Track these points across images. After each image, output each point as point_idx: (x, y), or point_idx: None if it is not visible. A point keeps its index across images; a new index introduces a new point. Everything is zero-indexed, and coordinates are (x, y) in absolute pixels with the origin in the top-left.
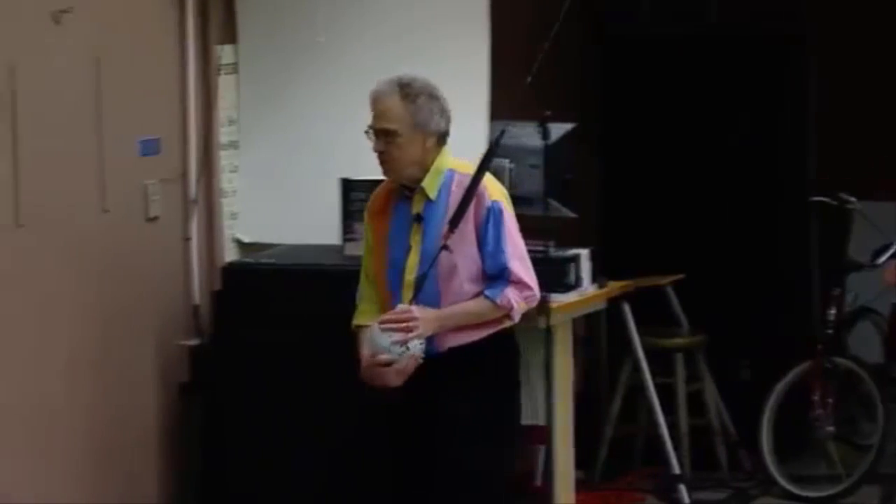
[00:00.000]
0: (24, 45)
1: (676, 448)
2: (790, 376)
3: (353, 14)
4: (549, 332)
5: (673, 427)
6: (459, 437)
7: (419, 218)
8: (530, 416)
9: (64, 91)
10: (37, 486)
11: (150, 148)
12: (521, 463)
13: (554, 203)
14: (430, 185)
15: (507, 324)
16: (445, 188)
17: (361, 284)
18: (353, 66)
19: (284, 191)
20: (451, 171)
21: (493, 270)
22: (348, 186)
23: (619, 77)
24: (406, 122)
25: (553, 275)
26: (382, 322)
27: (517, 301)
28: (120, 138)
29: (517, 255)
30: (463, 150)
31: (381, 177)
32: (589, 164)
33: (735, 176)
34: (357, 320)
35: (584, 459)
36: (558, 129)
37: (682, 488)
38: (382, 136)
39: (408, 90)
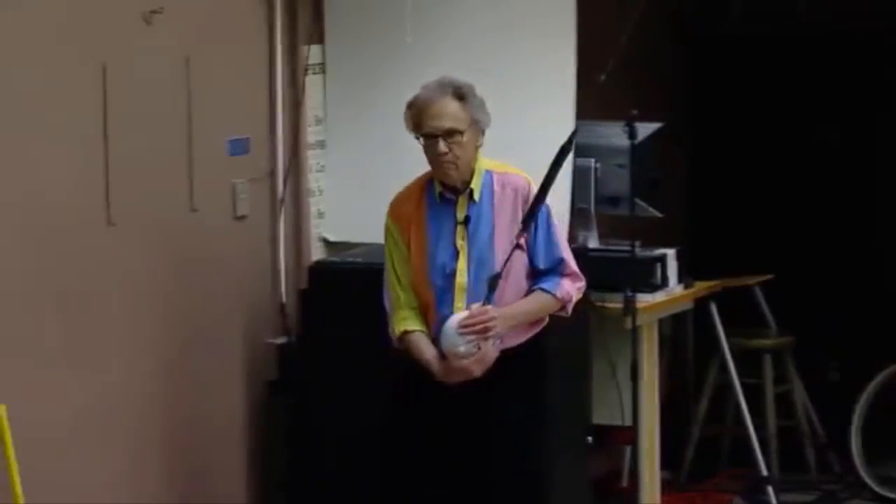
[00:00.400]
0: (116, 46)
1: (764, 450)
2: (880, 378)
3: (440, 14)
4: (635, 332)
5: (760, 428)
6: (518, 437)
7: (466, 220)
8: (617, 416)
9: (154, 91)
10: (128, 485)
11: (238, 147)
12: (606, 463)
13: (640, 203)
14: (477, 186)
15: (546, 320)
16: (487, 189)
17: (393, 292)
18: (440, 66)
19: (371, 190)
20: (489, 172)
21: (547, 264)
22: None
23: (708, 77)
24: (466, 121)
25: (639, 275)
26: (463, 325)
27: (573, 293)
28: (209, 138)
29: (566, 248)
30: (549, 150)
31: None
32: (677, 164)
33: (825, 175)
34: (403, 326)
35: (670, 460)
36: (645, 129)
37: (770, 490)
38: (445, 137)
39: (459, 91)
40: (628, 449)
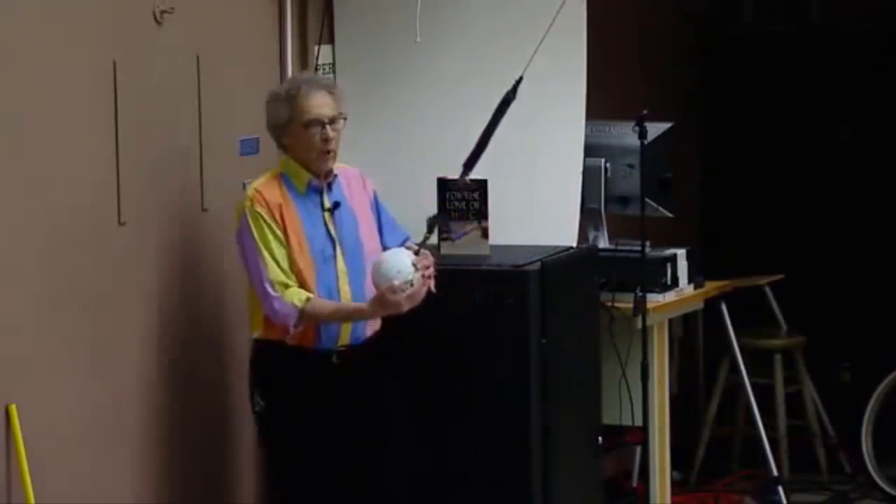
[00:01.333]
0: (126, 45)
1: (775, 450)
2: (891, 378)
3: (450, 15)
4: (645, 332)
5: (771, 429)
6: (394, 419)
7: (336, 206)
8: (627, 416)
9: (165, 90)
10: (140, 485)
11: (249, 147)
12: (616, 463)
13: (651, 203)
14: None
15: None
16: (336, 180)
17: (275, 274)
18: (450, 67)
19: (380, 190)
20: None
21: (395, 242)
22: (445, 186)
23: (721, 76)
24: (338, 110)
25: (650, 275)
26: (422, 264)
27: None
28: (220, 137)
29: None
30: (561, 151)
31: (482, 176)
32: (691, 164)
33: (837, 174)
34: (304, 295)
35: (681, 460)
36: (656, 129)
37: (781, 490)
38: (330, 124)
39: (325, 83)
40: (638, 449)
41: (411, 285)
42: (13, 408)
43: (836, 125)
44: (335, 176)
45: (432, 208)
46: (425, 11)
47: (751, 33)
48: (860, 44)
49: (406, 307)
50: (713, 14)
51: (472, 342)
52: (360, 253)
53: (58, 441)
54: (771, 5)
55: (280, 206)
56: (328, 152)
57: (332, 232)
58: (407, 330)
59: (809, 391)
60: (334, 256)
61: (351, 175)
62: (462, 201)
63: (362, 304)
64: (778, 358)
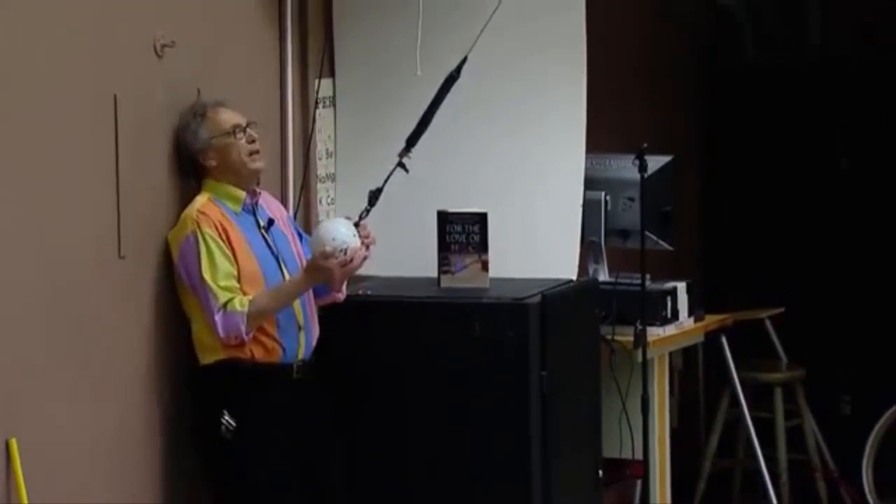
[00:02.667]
0: (127, 79)
1: (776, 484)
2: (892, 411)
3: (451, 47)
4: (645, 365)
5: (772, 462)
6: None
7: (271, 223)
8: (627, 449)
9: (165, 123)
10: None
11: None
12: (616, 497)
13: (651, 236)
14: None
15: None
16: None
17: (223, 295)
18: (449, 99)
19: (380, 223)
20: None
21: None
22: (445, 219)
23: (721, 107)
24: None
25: (650, 308)
26: (363, 233)
27: None
28: None
29: None
30: (561, 183)
31: (480, 210)
32: (691, 196)
33: (839, 205)
34: (244, 298)
35: (681, 494)
36: (656, 162)
37: None
38: (248, 127)
39: (220, 100)
40: (639, 482)
41: (345, 254)
42: (13, 442)
43: (837, 157)
44: (259, 194)
45: (433, 240)
46: (426, 44)
47: (752, 65)
48: (861, 75)
49: (338, 274)
50: (714, 46)
51: (473, 375)
52: (297, 267)
53: (58, 474)
54: (772, 38)
55: (222, 224)
56: (257, 152)
57: (273, 248)
58: (406, 362)
59: (810, 424)
60: (280, 271)
61: (267, 195)
62: (462, 234)
63: (296, 276)
64: (778, 391)
